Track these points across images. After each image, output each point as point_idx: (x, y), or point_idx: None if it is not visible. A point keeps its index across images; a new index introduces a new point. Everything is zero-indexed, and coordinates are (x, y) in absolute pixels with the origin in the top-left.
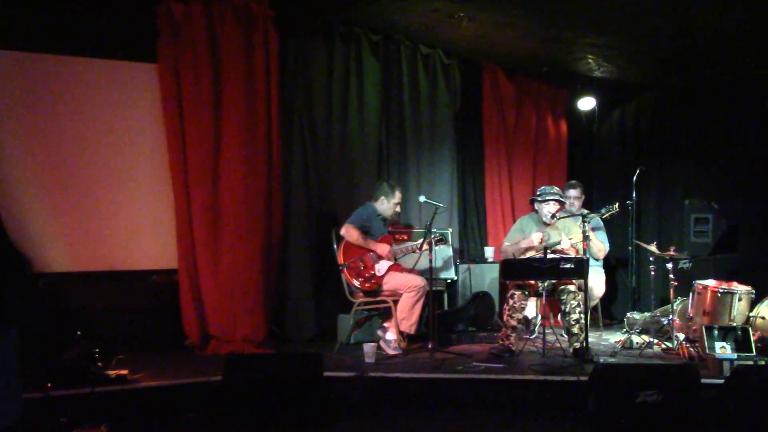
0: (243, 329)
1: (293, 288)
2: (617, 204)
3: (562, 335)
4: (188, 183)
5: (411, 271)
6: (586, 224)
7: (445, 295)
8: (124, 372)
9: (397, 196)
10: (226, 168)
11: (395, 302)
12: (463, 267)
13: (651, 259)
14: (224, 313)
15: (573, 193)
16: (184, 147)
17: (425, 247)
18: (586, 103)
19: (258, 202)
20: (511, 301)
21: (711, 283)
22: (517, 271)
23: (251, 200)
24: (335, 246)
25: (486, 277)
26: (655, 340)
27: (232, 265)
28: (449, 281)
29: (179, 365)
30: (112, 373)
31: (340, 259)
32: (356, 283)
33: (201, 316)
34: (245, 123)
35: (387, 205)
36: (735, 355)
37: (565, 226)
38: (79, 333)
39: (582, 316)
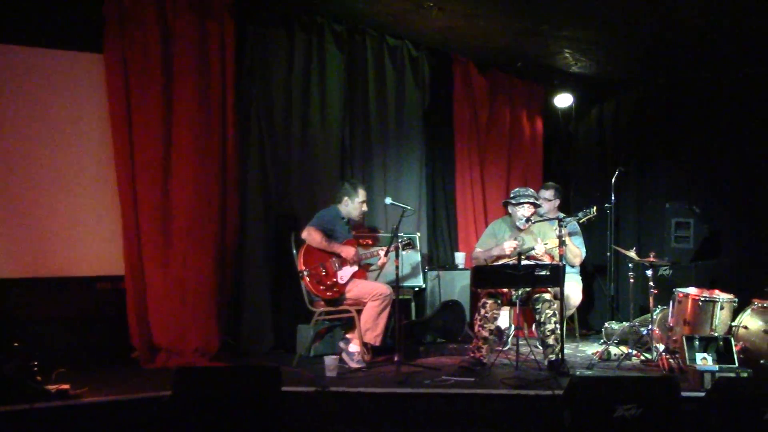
0: (194, 341)
1: (249, 296)
2: (595, 207)
3: (536, 347)
4: (136, 182)
5: (376, 279)
6: (562, 229)
7: (413, 304)
8: (66, 387)
9: (361, 194)
10: (177, 166)
11: (359, 312)
12: (431, 274)
13: (630, 265)
14: (174, 323)
15: (544, 194)
16: (131, 144)
17: (392, 251)
18: (563, 100)
19: (212, 202)
20: (482, 311)
21: (692, 290)
22: (490, 279)
23: (205, 201)
24: (295, 251)
25: (456, 284)
26: (634, 352)
27: (184, 271)
28: (417, 289)
29: (125, 379)
30: (52, 387)
31: (300, 266)
32: (317, 291)
33: (149, 326)
34: (198, 118)
35: (352, 205)
36: (717, 367)
37: (540, 231)
38: (16, 344)
39: (557, 326)
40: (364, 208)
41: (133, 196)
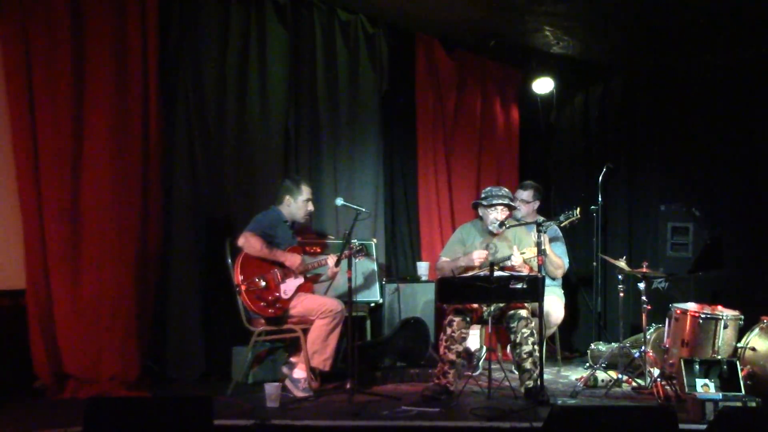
0: (110, 367)
1: (176, 313)
2: (579, 209)
3: (511, 371)
4: (39, 179)
5: (325, 292)
6: (541, 234)
7: (368, 323)
8: None
9: (305, 191)
10: (89, 161)
11: (305, 331)
12: (390, 287)
13: (620, 277)
14: (86, 346)
15: (521, 194)
16: (34, 134)
17: (343, 260)
18: (543, 86)
19: (131, 204)
20: (449, 330)
21: (691, 306)
22: (457, 293)
23: (122, 202)
24: (230, 261)
25: (419, 299)
26: (625, 377)
27: (97, 286)
28: (373, 305)
29: (27, 413)
30: None
31: (237, 278)
32: (256, 307)
33: (55, 349)
34: (115, 104)
35: (295, 205)
36: (720, 395)
37: (516, 237)
38: None
39: (536, 347)
40: (310, 207)
41: (36, 196)
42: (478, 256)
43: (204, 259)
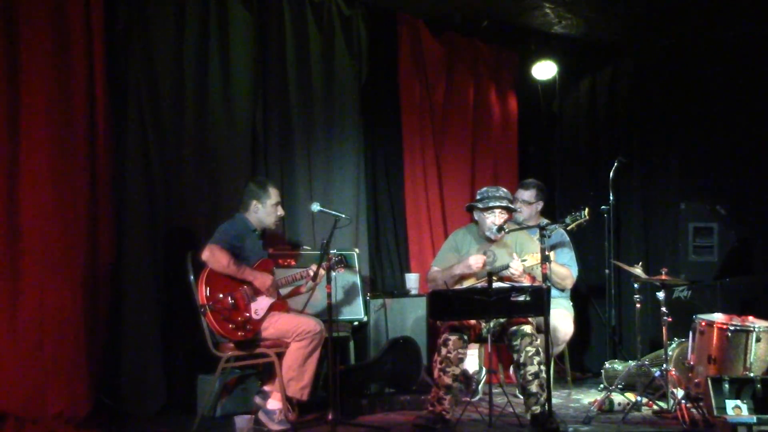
0: (56, 402)
1: (132, 339)
2: (587, 210)
3: (515, 396)
4: None
5: (302, 311)
6: (545, 240)
7: (351, 344)
8: None
9: (273, 193)
10: (27, 167)
11: (280, 356)
12: (375, 303)
13: (636, 286)
14: (26, 378)
15: (522, 195)
16: None
17: (321, 274)
18: (544, 71)
19: (77, 215)
20: (443, 350)
21: (718, 318)
22: (452, 308)
23: (67, 213)
24: (192, 278)
25: (408, 316)
26: (644, 400)
27: (39, 308)
28: (356, 323)
29: None
30: None
31: (201, 297)
32: (224, 330)
33: None
34: (55, 102)
35: (264, 210)
36: (753, 418)
37: (516, 243)
38: None
39: (542, 368)
40: (280, 211)
41: None
42: (476, 261)
43: (163, 276)
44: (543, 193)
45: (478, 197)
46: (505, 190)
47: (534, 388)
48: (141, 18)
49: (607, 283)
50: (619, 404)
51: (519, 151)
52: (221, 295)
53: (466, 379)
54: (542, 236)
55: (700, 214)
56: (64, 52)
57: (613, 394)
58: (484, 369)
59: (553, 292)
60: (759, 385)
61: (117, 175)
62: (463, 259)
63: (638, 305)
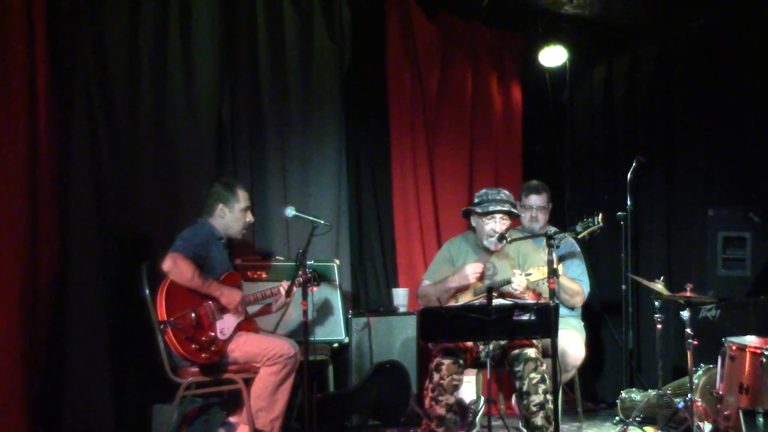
0: None
1: (76, 362)
2: (601, 216)
3: (518, 429)
4: None
5: (273, 331)
6: (553, 250)
7: (330, 369)
8: None
9: (242, 196)
10: None
11: (248, 382)
12: (358, 322)
13: (656, 304)
14: None
15: (534, 200)
16: None
17: (295, 289)
18: (553, 57)
19: (14, 221)
20: (436, 377)
21: (751, 341)
22: (445, 328)
23: (3, 218)
24: (148, 291)
25: (396, 337)
26: None
27: None
28: (336, 345)
29: None
30: None
31: (160, 313)
32: (185, 351)
33: None
34: None
35: (231, 215)
36: None
37: (520, 254)
38: None
39: (549, 398)
40: (249, 217)
41: None
42: (473, 270)
43: (114, 289)
44: (550, 196)
45: (476, 200)
46: (507, 192)
47: (539, 420)
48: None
49: (623, 301)
50: None
51: (523, 149)
52: (184, 312)
53: (461, 409)
54: (549, 246)
55: (730, 221)
56: (1, 36)
57: (630, 427)
58: (482, 398)
59: (562, 310)
60: None
61: (62, 175)
62: (459, 270)
63: (659, 326)
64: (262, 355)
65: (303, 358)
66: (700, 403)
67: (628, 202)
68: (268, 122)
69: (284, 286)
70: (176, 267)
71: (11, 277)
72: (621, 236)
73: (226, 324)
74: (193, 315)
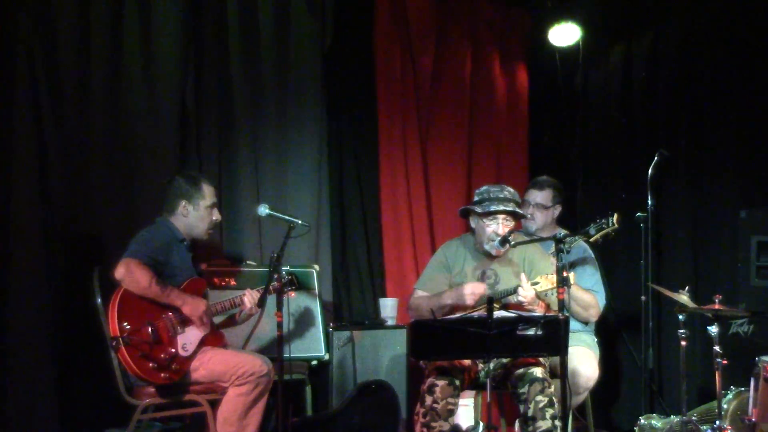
0: None
1: (17, 381)
2: (617, 217)
3: None
4: None
5: (243, 346)
6: (563, 256)
7: (308, 389)
8: None
9: (207, 192)
10: None
11: (214, 405)
12: (340, 336)
13: (680, 317)
14: None
15: (536, 197)
16: None
17: (270, 296)
18: (564, 36)
19: None
20: (429, 400)
21: None
22: (439, 343)
23: None
24: (100, 301)
25: (383, 354)
26: None
27: None
28: (315, 363)
29: None
30: None
31: (113, 327)
32: (142, 370)
33: None
34: None
35: (195, 214)
36: None
37: (525, 260)
38: None
39: (558, 423)
40: (215, 216)
41: None
42: (473, 291)
43: (60, 300)
44: (561, 194)
45: (476, 199)
46: (511, 189)
47: None
48: None
49: (643, 314)
50: None
51: (530, 140)
52: (140, 326)
53: None
54: (559, 251)
55: (766, 224)
56: None
57: None
58: (481, 424)
59: (573, 324)
60: None
61: (1, 165)
62: (456, 283)
63: (683, 343)
64: (230, 373)
65: (277, 377)
66: (730, 431)
67: (649, 202)
68: (238, 108)
69: (249, 294)
70: (130, 274)
71: None
72: (640, 240)
73: (188, 338)
74: (150, 329)
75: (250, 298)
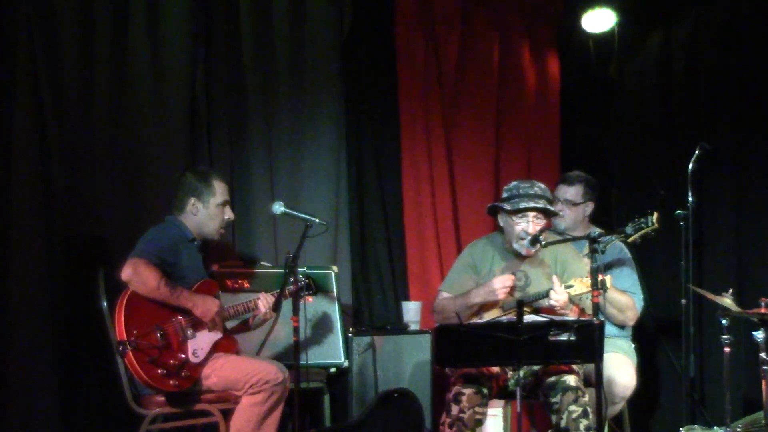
0: None
1: (18, 390)
2: (656, 216)
3: None
4: None
5: (258, 352)
6: (597, 257)
7: (326, 398)
8: None
9: (219, 188)
10: None
11: (227, 414)
12: (360, 342)
13: (724, 322)
14: None
15: (566, 192)
16: None
17: (284, 301)
18: (598, 21)
19: None
20: (455, 409)
21: None
22: (467, 349)
23: None
24: (105, 304)
25: (406, 361)
26: None
27: None
28: (334, 370)
29: None
30: None
31: (119, 331)
32: (150, 377)
33: None
34: None
35: (205, 212)
36: None
37: (558, 261)
38: None
39: None
40: (228, 214)
41: None
42: (502, 283)
43: (63, 303)
44: (594, 190)
45: (504, 195)
46: (542, 185)
47: None
48: None
49: (683, 318)
50: None
51: (562, 133)
52: (148, 330)
53: None
54: (593, 251)
55: None
56: None
57: None
58: None
59: (609, 328)
60: None
61: (0, 168)
62: (482, 282)
63: (727, 349)
64: (244, 381)
65: (293, 385)
66: None
67: (690, 198)
68: (251, 100)
69: (263, 298)
70: (138, 275)
71: None
72: (680, 240)
73: (199, 343)
74: (158, 333)
75: (264, 302)
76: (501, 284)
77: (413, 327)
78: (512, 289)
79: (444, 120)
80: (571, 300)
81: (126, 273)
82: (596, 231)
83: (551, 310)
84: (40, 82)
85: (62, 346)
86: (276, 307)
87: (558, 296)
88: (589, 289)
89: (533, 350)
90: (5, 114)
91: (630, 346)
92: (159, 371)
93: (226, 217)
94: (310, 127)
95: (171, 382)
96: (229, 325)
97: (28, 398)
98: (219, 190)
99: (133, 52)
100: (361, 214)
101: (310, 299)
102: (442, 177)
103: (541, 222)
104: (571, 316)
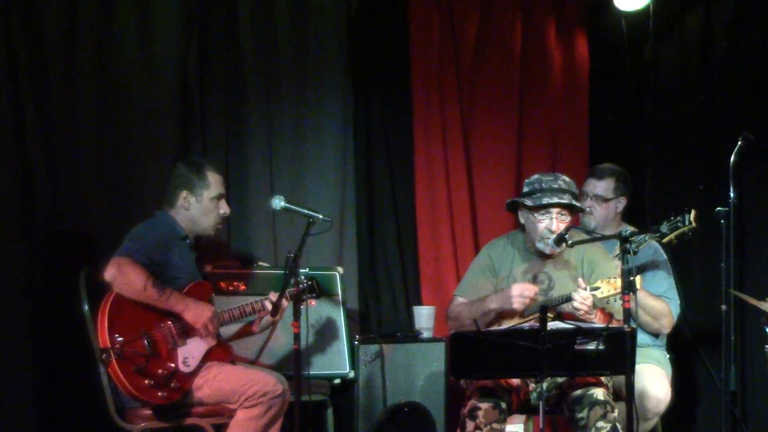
0: None
1: None
2: (694, 214)
3: None
4: None
5: (255, 361)
6: (629, 258)
7: (329, 412)
8: None
9: (213, 181)
10: None
11: (220, 429)
12: (368, 351)
13: (767, 330)
14: None
15: (595, 187)
16: None
17: (284, 306)
18: (632, 0)
19: None
20: (471, 425)
21: None
22: (484, 359)
23: None
24: (87, 307)
25: (418, 371)
26: None
27: None
28: (338, 381)
29: None
30: None
31: (102, 337)
32: (136, 388)
33: None
34: None
35: (198, 206)
36: None
37: (584, 262)
38: None
39: None
40: (223, 208)
41: None
42: (521, 293)
43: (41, 306)
44: (625, 185)
45: (525, 190)
46: (566, 179)
47: None
48: None
49: (723, 326)
50: None
51: (591, 122)
52: (134, 336)
53: None
54: (625, 252)
55: None
56: None
57: None
58: None
59: (642, 337)
60: None
61: None
62: (501, 287)
63: None
64: (239, 393)
65: (294, 397)
66: None
67: (731, 194)
68: (249, 85)
69: (273, 298)
70: (123, 275)
71: None
72: (720, 239)
73: (191, 351)
74: (145, 340)
75: (268, 303)
76: (519, 292)
77: (426, 334)
78: (534, 297)
79: (461, 107)
80: (598, 303)
81: (109, 273)
82: (628, 230)
83: (572, 315)
84: (18, 61)
85: (41, 353)
86: (275, 312)
87: (582, 297)
88: (618, 291)
89: (558, 360)
90: None
91: (664, 357)
92: (146, 382)
93: (221, 212)
94: (314, 113)
95: (159, 393)
96: (232, 329)
97: (3, 410)
98: (213, 183)
99: (120, 28)
100: (370, 209)
101: (313, 303)
102: (459, 170)
103: (566, 219)
104: (597, 322)
